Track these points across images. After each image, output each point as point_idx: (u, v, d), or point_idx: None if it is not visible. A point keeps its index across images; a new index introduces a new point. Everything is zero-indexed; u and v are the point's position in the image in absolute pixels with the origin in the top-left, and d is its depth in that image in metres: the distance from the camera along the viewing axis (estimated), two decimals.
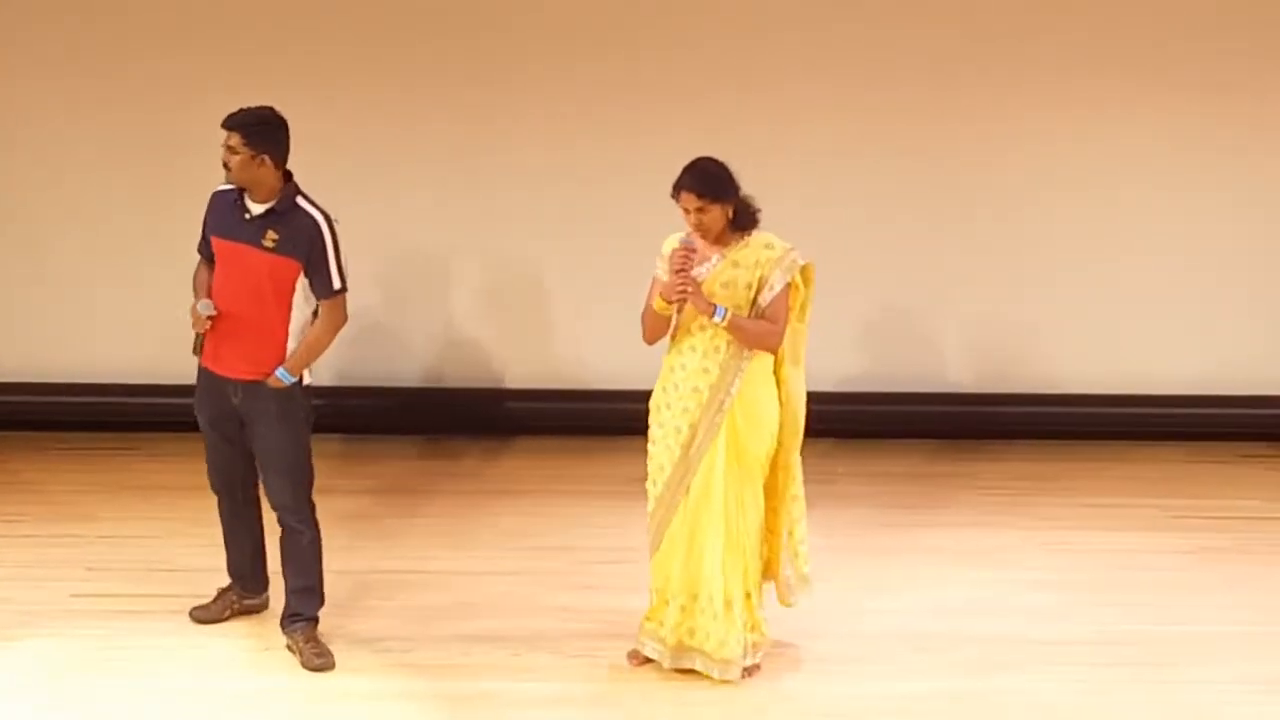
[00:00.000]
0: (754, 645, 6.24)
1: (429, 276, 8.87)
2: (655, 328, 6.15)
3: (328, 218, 6.13)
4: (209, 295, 6.19)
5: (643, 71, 8.67)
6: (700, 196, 5.95)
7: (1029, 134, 8.78)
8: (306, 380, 6.25)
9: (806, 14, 8.66)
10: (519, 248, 8.84)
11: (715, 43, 8.67)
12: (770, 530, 6.26)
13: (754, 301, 6.04)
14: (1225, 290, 8.93)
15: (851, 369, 8.88)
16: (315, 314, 6.21)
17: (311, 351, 6.20)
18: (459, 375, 8.96)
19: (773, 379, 6.13)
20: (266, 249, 6.08)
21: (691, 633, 6.20)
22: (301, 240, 6.08)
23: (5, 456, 8.45)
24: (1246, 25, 8.69)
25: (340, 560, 6.79)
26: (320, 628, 6.38)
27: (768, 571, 6.32)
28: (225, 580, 6.64)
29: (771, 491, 6.22)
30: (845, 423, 8.60)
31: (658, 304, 6.07)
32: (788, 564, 6.32)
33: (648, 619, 6.31)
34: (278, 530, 6.37)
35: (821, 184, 8.71)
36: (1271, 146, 8.83)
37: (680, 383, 6.10)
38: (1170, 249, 8.89)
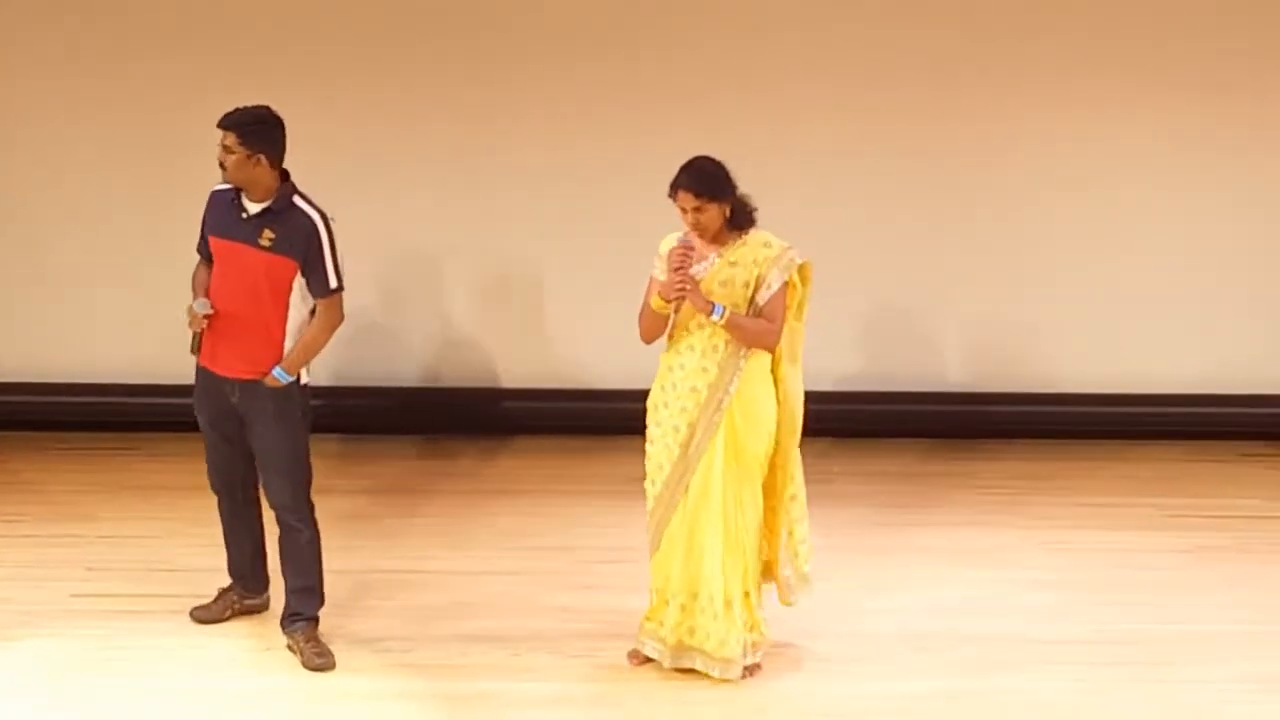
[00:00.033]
0: (753, 645, 6.24)
1: (429, 276, 8.87)
2: (653, 327, 6.15)
3: (324, 217, 6.14)
4: (207, 295, 6.20)
5: (643, 71, 8.67)
6: (697, 196, 5.96)
7: (1029, 134, 8.77)
8: (304, 379, 6.25)
9: (806, 14, 8.66)
10: (519, 248, 8.84)
11: (715, 43, 8.67)
12: (769, 529, 6.27)
13: (751, 300, 6.04)
14: (1225, 290, 8.93)
15: (852, 368, 8.89)
16: (313, 313, 6.22)
17: (308, 351, 6.20)
18: (458, 375, 8.96)
19: (770, 378, 6.13)
20: (263, 248, 6.09)
21: (691, 632, 6.21)
22: (298, 239, 6.08)
23: (5, 456, 8.46)
24: (1246, 25, 8.69)
25: (339, 560, 6.79)
26: (320, 628, 6.38)
27: (768, 572, 6.33)
28: (225, 580, 6.64)
29: (770, 490, 6.22)
30: (844, 422, 8.61)
31: (655, 303, 6.07)
32: (787, 563, 6.32)
33: (648, 619, 6.31)
34: (278, 530, 6.38)
35: (821, 184, 8.71)
36: (1271, 146, 8.83)
37: (678, 382, 6.11)
38: (1170, 249, 8.89)
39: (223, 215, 6.18)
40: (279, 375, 6.16)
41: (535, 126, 8.71)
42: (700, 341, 6.07)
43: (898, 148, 8.75)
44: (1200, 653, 6.50)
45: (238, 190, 6.14)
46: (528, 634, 6.55)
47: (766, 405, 6.11)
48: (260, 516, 6.55)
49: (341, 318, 6.24)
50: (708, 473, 6.08)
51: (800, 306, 6.15)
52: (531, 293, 8.90)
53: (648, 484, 6.21)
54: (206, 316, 6.16)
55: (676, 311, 6.08)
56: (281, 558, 6.38)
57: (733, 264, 6.04)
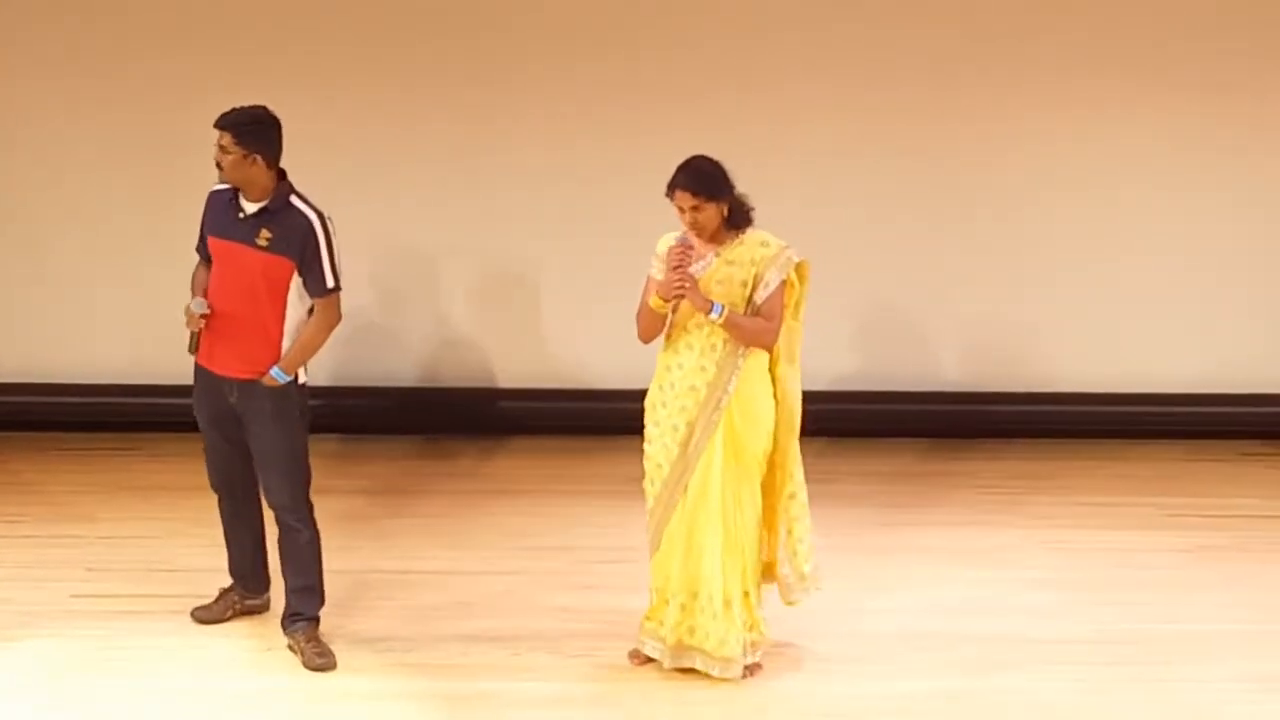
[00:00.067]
0: (753, 644, 6.24)
1: (428, 276, 8.87)
2: (650, 326, 6.15)
3: (321, 216, 6.13)
4: (205, 295, 6.20)
5: (643, 71, 8.67)
6: (695, 195, 5.96)
7: (1029, 134, 8.77)
8: (302, 379, 6.25)
9: (806, 14, 8.66)
10: (518, 248, 8.84)
11: (715, 43, 8.67)
12: (768, 528, 6.26)
13: (749, 299, 6.04)
14: (1225, 290, 8.93)
15: (852, 368, 8.89)
16: (310, 313, 6.22)
17: (305, 350, 6.20)
18: (456, 375, 8.95)
19: (768, 377, 6.13)
20: (260, 248, 6.09)
21: (691, 631, 6.21)
22: (295, 239, 6.08)
23: (5, 456, 8.46)
24: (1246, 25, 8.69)
25: (338, 560, 6.79)
26: (321, 627, 6.38)
27: (769, 572, 6.33)
28: (226, 580, 6.64)
29: (769, 489, 6.22)
30: (844, 422, 8.60)
31: (653, 302, 6.07)
32: (786, 562, 6.32)
33: (648, 618, 6.31)
34: (277, 530, 6.38)
35: (821, 184, 8.71)
36: (1271, 146, 8.82)
37: (677, 381, 6.10)
38: (1170, 249, 8.89)
39: (220, 215, 6.18)
40: (276, 375, 6.16)
41: (535, 126, 8.71)
42: (698, 341, 6.07)
43: (898, 148, 8.75)
44: (1200, 652, 6.50)
45: (236, 190, 6.14)
46: (528, 634, 6.55)
47: (765, 404, 6.11)
48: (261, 516, 6.55)
49: (339, 317, 6.24)
50: (707, 472, 6.08)
51: (798, 305, 6.15)
52: (530, 293, 8.90)
53: (646, 484, 6.21)
54: (204, 316, 6.16)
55: (674, 311, 6.08)
56: (281, 558, 6.39)
57: (730, 263, 6.04)
